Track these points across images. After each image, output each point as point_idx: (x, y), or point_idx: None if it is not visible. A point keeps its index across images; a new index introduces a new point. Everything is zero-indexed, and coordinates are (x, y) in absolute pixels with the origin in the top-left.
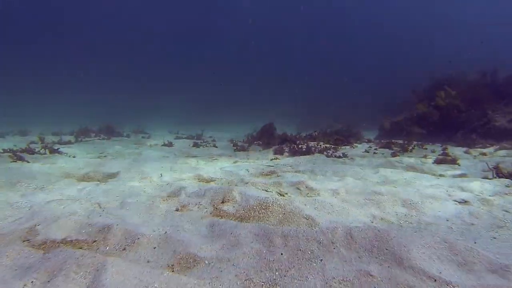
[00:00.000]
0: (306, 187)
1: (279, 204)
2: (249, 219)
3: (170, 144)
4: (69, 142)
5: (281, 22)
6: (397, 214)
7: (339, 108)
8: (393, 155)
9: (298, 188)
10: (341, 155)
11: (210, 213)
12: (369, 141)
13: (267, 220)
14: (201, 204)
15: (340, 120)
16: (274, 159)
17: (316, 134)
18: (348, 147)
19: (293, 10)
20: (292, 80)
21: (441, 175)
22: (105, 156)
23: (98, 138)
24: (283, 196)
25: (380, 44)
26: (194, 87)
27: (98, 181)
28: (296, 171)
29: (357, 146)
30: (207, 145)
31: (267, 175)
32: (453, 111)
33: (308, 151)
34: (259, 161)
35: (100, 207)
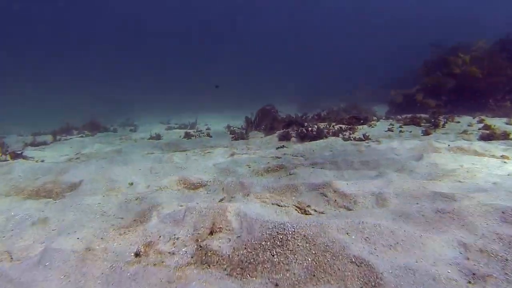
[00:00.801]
0: (335, 191)
1: (303, 235)
2: (255, 269)
3: (158, 137)
4: (44, 143)
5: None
6: (501, 239)
7: (338, 89)
8: (425, 133)
9: (323, 195)
10: (362, 137)
11: (191, 257)
12: (387, 117)
13: (286, 270)
14: (177, 238)
15: (342, 98)
16: (280, 147)
17: (325, 114)
18: (366, 126)
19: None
20: (288, 63)
21: (504, 157)
22: (77, 158)
23: (81, 135)
24: (306, 213)
25: (369, 23)
26: (189, 76)
27: (55, 195)
28: (312, 164)
29: (375, 125)
30: (201, 135)
31: (274, 171)
32: (471, 78)
33: (320, 135)
34: (261, 151)
35: (12, 258)
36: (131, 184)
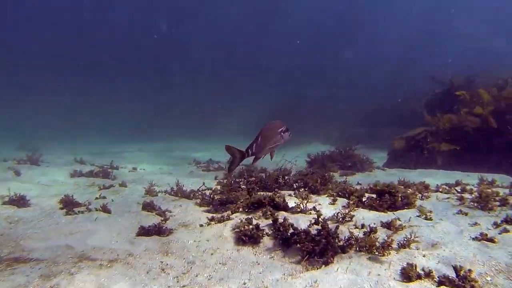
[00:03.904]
0: None
1: None
2: None
3: (19, 201)
4: None
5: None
6: None
7: (309, 119)
8: None
9: None
10: (447, 279)
11: None
12: (425, 188)
13: None
14: None
15: (320, 132)
16: None
17: (312, 173)
18: (414, 213)
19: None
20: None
21: None
22: None
23: None
24: None
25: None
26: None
27: None
28: None
29: (430, 213)
30: (93, 205)
31: None
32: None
33: (327, 247)
34: None
35: None
36: None
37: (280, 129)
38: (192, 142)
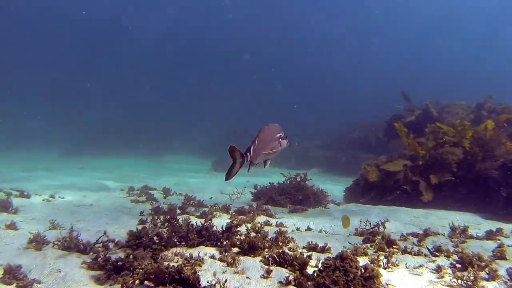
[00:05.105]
0: None
1: None
2: None
3: None
4: None
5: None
6: None
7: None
8: None
9: None
10: None
11: None
12: (388, 245)
13: None
14: None
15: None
16: None
17: (236, 225)
18: None
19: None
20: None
21: None
22: None
23: None
24: None
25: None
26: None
27: None
28: None
29: None
30: None
31: None
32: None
33: None
34: None
35: None
36: None
37: (279, 135)
38: (141, 160)
